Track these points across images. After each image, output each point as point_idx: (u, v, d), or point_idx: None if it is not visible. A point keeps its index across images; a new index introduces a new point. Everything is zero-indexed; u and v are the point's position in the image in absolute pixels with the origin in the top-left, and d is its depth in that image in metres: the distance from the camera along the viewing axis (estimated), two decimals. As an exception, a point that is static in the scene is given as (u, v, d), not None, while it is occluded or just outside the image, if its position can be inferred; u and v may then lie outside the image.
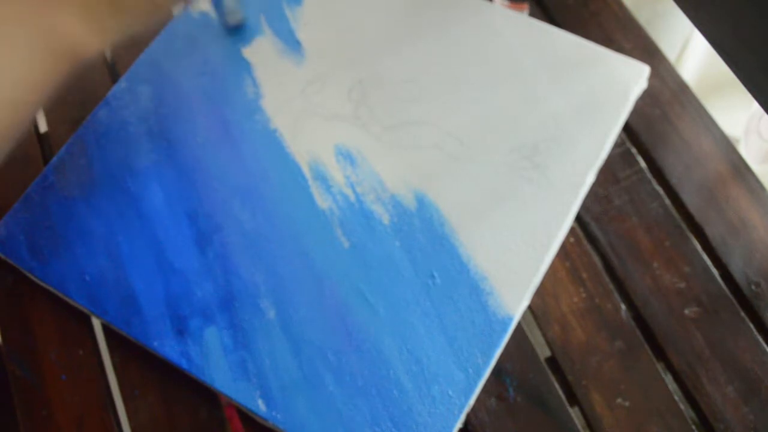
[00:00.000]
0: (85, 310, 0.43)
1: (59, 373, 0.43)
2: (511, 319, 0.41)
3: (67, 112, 0.51)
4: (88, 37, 0.33)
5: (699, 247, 0.45)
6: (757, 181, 0.47)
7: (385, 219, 0.44)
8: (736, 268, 0.44)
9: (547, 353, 0.43)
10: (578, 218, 0.46)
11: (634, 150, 0.48)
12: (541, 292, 0.44)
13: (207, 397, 0.42)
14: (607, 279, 0.44)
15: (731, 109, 0.61)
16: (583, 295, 0.44)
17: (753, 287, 0.44)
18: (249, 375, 0.40)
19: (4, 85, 0.31)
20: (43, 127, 0.51)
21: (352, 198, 0.45)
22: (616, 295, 0.44)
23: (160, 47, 0.51)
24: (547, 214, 0.44)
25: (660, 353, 0.42)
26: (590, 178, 0.45)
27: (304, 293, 0.42)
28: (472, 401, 0.40)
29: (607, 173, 0.47)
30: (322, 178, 0.46)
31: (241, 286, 0.43)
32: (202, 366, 0.41)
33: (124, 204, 0.46)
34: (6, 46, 0.31)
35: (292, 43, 0.51)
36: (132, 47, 0.53)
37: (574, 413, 0.41)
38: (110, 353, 0.43)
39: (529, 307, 0.43)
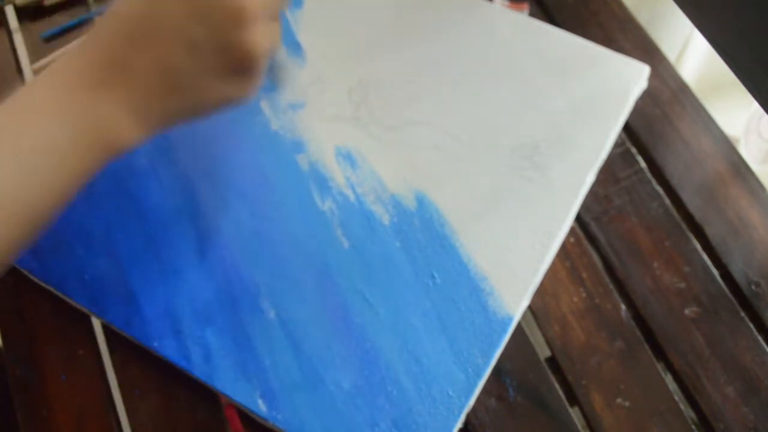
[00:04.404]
0: (85, 310, 0.43)
1: (59, 373, 0.43)
2: (511, 319, 0.41)
3: (67, 112, 0.51)
4: (131, 131, 0.32)
5: (699, 247, 0.45)
6: (757, 181, 0.47)
7: (385, 219, 0.44)
8: (736, 268, 0.44)
9: (547, 353, 0.43)
10: (578, 218, 0.46)
11: (634, 150, 0.48)
12: (541, 292, 0.44)
13: (207, 397, 0.42)
14: (607, 279, 0.44)
15: (731, 109, 0.61)
16: (583, 295, 0.44)
17: (753, 287, 0.44)
18: (249, 375, 0.40)
19: (45, 169, 0.30)
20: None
21: (353, 198, 0.45)
22: (616, 295, 0.44)
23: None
24: (547, 214, 0.44)
25: (660, 353, 0.42)
26: (590, 178, 0.45)
27: (304, 293, 0.42)
28: (472, 401, 0.40)
29: (607, 173, 0.47)
30: (322, 179, 0.46)
31: (241, 286, 0.43)
32: (202, 366, 0.41)
33: (124, 204, 0.46)
34: (51, 126, 0.30)
35: (292, 45, 0.51)
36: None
37: (574, 413, 0.41)
38: (110, 353, 0.43)
39: (529, 307, 0.43)
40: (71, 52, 0.32)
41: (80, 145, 0.31)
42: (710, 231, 0.45)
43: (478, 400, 0.41)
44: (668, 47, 0.56)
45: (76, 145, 0.31)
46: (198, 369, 0.41)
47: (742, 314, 0.43)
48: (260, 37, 0.32)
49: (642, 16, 0.54)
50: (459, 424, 0.39)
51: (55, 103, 0.31)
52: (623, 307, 0.43)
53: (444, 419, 0.39)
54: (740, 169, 0.47)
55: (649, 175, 0.47)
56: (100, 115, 0.31)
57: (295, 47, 0.50)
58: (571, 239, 0.46)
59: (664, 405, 0.41)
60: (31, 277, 0.45)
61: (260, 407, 0.39)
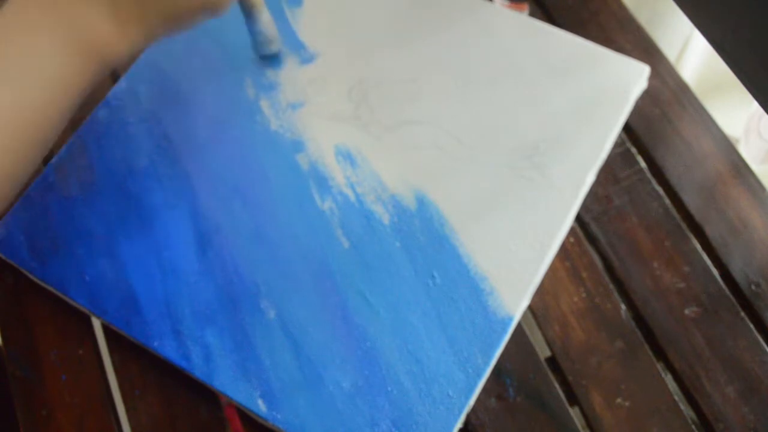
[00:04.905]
0: (85, 310, 0.43)
1: (59, 373, 0.43)
2: (511, 319, 0.41)
3: (67, 112, 0.51)
4: (116, 39, 0.33)
5: (699, 247, 0.45)
6: (757, 181, 0.47)
7: (385, 219, 0.44)
8: (736, 268, 0.44)
9: (547, 353, 0.43)
10: (578, 218, 0.46)
11: (634, 150, 0.48)
12: (541, 292, 0.44)
13: (207, 397, 0.42)
14: (607, 279, 0.44)
15: (731, 109, 0.61)
16: (583, 295, 0.44)
17: (753, 287, 0.44)
18: (249, 375, 0.40)
19: (37, 83, 0.31)
20: (43, 127, 0.51)
21: (352, 198, 0.45)
22: (616, 295, 0.44)
23: (159, 47, 0.51)
24: (547, 214, 0.44)
25: (660, 353, 0.42)
26: (590, 178, 0.45)
27: (304, 293, 0.42)
28: (472, 401, 0.40)
29: (607, 173, 0.47)
30: (322, 179, 0.46)
31: (241, 286, 0.43)
32: (202, 366, 0.41)
33: (124, 204, 0.46)
34: (39, 40, 0.31)
35: (295, 44, 0.51)
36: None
37: (574, 413, 0.41)
38: (110, 353, 0.43)
39: (529, 307, 0.43)
40: None
41: (70, 57, 0.32)
42: (710, 231, 0.45)
43: (478, 400, 0.41)
44: (668, 47, 0.56)
45: (66, 57, 0.32)
46: (198, 369, 0.41)
47: (742, 314, 0.43)
48: None
49: (642, 16, 0.54)
50: (459, 424, 0.39)
51: (40, 17, 0.32)
52: (623, 307, 0.43)
53: (444, 419, 0.39)
54: (740, 169, 0.47)
55: (649, 175, 0.47)
56: (83, 23, 0.32)
57: (298, 46, 0.50)
58: (571, 239, 0.46)
59: (664, 405, 0.41)
60: (31, 277, 0.45)
61: (260, 407, 0.39)
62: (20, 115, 0.31)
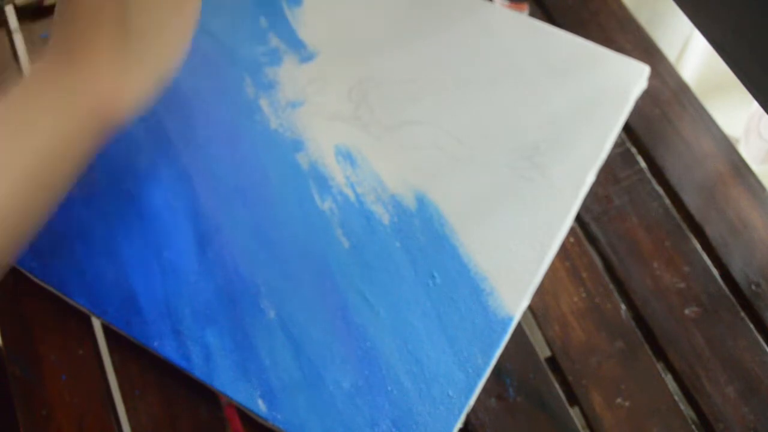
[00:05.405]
0: (85, 310, 0.43)
1: (59, 373, 0.43)
2: (511, 319, 0.41)
3: (67, 112, 0.51)
4: (119, 94, 0.34)
5: (699, 247, 0.45)
6: (757, 181, 0.47)
7: (385, 219, 0.44)
8: (736, 268, 0.44)
9: (547, 353, 0.43)
10: (578, 218, 0.46)
11: (634, 150, 0.48)
12: (541, 292, 0.44)
13: (207, 397, 0.42)
14: (607, 279, 0.44)
15: (731, 109, 0.61)
16: (583, 295, 0.44)
17: (753, 287, 0.44)
18: (249, 375, 0.40)
19: (53, 150, 0.31)
20: (43, 127, 0.51)
21: (352, 198, 0.45)
22: (616, 295, 0.44)
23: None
24: (547, 214, 0.44)
25: (660, 353, 0.42)
26: (590, 178, 0.45)
27: (304, 293, 0.42)
28: (472, 401, 0.40)
29: (607, 173, 0.47)
30: (322, 178, 0.46)
31: (241, 286, 0.43)
32: (202, 366, 0.41)
33: (124, 204, 0.46)
34: (48, 116, 0.32)
35: (292, 43, 0.51)
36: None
37: (574, 413, 0.41)
38: (110, 353, 0.43)
39: (529, 307, 0.43)
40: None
41: (77, 117, 0.33)
42: (710, 231, 0.45)
43: (478, 400, 0.41)
44: (668, 47, 0.56)
45: (74, 119, 0.32)
46: (198, 369, 0.41)
47: (742, 314, 0.43)
48: None
49: (642, 16, 0.54)
50: (459, 424, 0.39)
51: (45, 92, 0.32)
52: (623, 307, 0.43)
53: (444, 419, 0.39)
54: (740, 169, 0.47)
55: (649, 175, 0.47)
56: (85, 83, 0.33)
57: (298, 45, 0.50)
58: (571, 239, 0.46)
59: (664, 405, 0.41)
60: (31, 277, 0.44)
61: (260, 407, 0.39)
62: (30, 172, 0.31)
